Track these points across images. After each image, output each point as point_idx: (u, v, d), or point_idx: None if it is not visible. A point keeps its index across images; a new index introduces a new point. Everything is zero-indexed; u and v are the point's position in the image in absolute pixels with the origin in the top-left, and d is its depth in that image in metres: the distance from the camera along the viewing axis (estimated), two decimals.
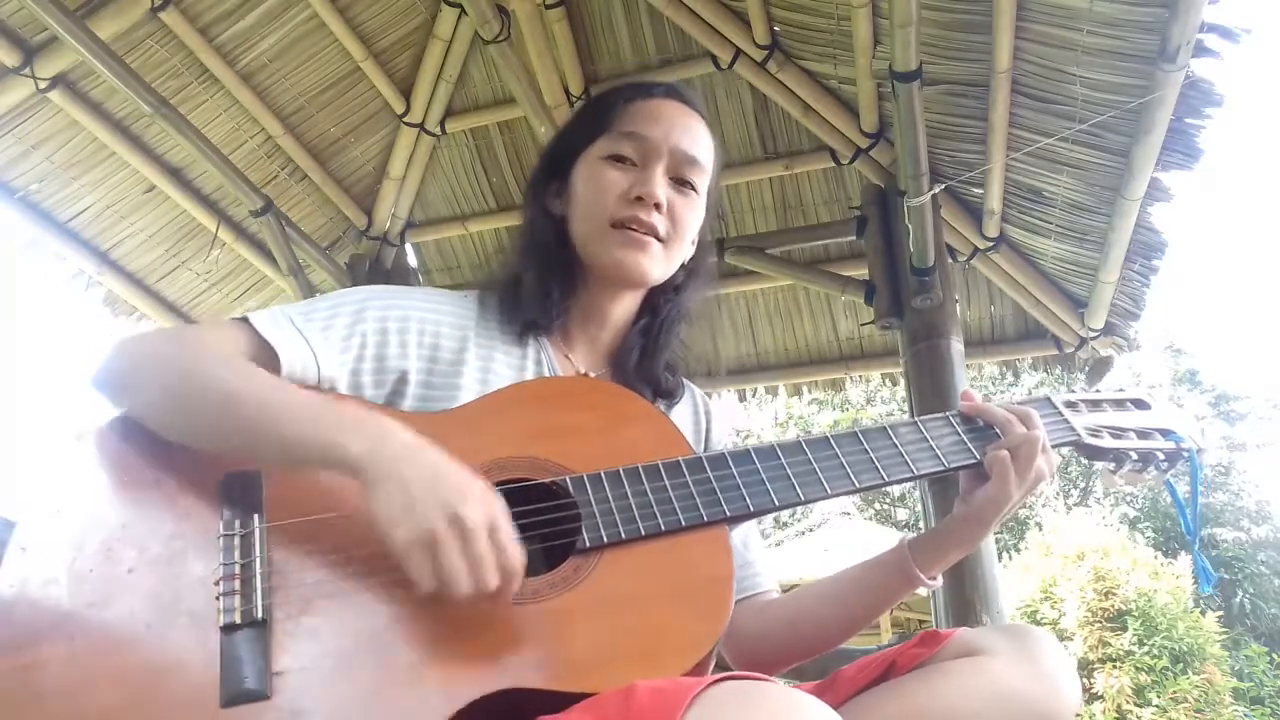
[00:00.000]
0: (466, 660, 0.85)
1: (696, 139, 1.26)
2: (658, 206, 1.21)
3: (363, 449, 0.89)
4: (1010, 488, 1.10)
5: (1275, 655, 11.81)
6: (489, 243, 4.81)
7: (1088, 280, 3.84)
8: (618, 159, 1.23)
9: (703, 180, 1.27)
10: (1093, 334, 4.07)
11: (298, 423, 0.92)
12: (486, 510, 0.87)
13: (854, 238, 4.13)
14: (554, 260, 1.25)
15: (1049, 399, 1.24)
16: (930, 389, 3.60)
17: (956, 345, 3.65)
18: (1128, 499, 17.64)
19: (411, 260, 4.92)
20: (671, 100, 1.28)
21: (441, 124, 4.46)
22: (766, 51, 3.90)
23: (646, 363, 1.29)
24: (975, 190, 3.81)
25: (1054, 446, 1.16)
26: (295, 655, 0.83)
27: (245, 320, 1.05)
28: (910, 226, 3.49)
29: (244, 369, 0.99)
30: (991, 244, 3.99)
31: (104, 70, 3.16)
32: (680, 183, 1.25)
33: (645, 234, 1.21)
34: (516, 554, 0.87)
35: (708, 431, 1.38)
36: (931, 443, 1.14)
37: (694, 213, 1.26)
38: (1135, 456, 1.22)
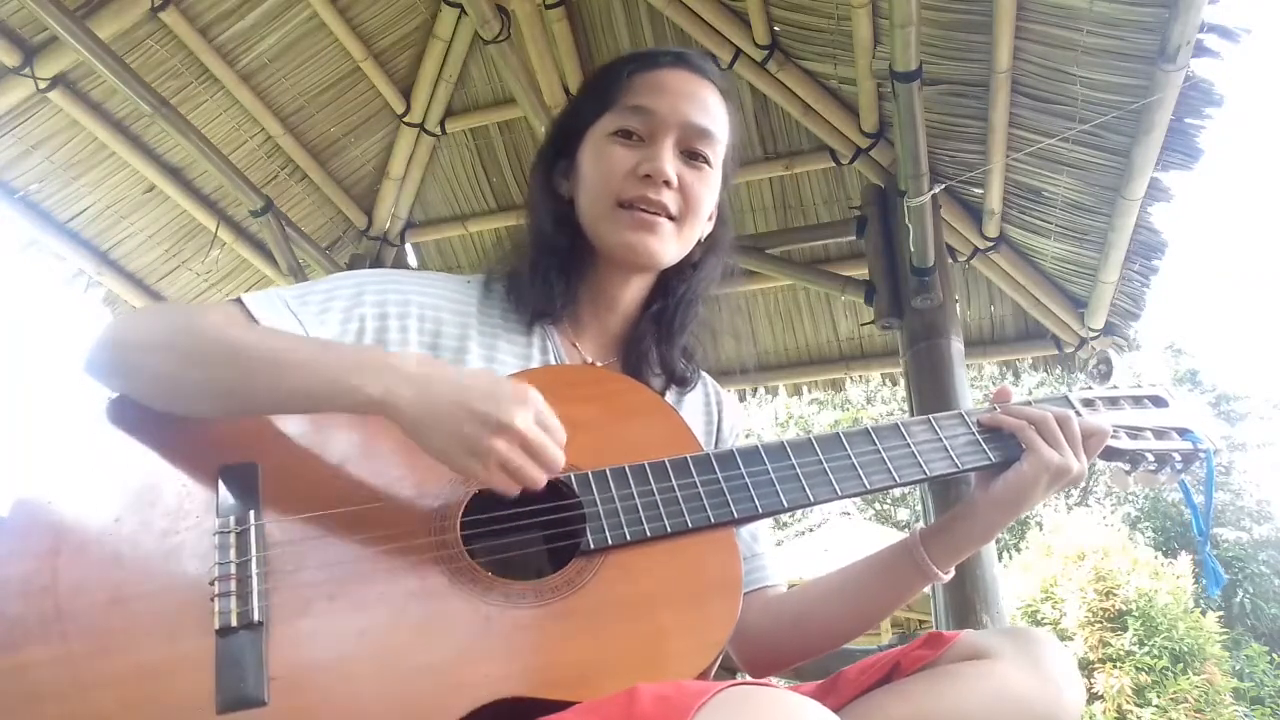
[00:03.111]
0: (468, 666, 0.84)
1: (707, 108, 1.20)
2: (667, 184, 1.15)
3: (380, 390, 0.90)
4: (1043, 464, 1.07)
5: (1275, 655, 11.81)
6: (489, 243, 4.80)
7: (1088, 280, 3.83)
8: (624, 135, 1.17)
9: (716, 151, 1.21)
10: (1093, 334, 4.07)
11: (311, 370, 0.92)
12: (523, 404, 0.90)
13: (854, 238, 4.12)
14: (562, 244, 1.20)
15: (1066, 397, 1.21)
16: (930, 389, 3.60)
17: (956, 345, 3.64)
18: (1129, 498, 17.63)
19: (411, 260, 4.91)
20: (679, 69, 1.21)
21: (441, 124, 4.46)
22: (766, 51, 3.90)
23: (662, 349, 1.24)
24: (975, 190, 3.81)
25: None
26: (293, 659, 0.82)
27: (239, 302, 1.03)
28: (910, 226, 3.49)
29: (246, 325, 0.99)
30: (991, 244, 3.98)
31: (104, 70, 3.15)
32: (692, 156, 1.18)
33: (655, 213, 1.15)
34: (561, 429, 0.93)
35: (719, 423, 1.33)
36: (945, 442, 1.11)
37: (708, 187, 1.20)
38: (1151, 458, 1.18)
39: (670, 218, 1.17)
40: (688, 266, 1.26)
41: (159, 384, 0.96)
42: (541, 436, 0.90)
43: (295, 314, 1.05)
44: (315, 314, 1.06)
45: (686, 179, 1.17)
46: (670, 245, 1.18)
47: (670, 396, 1.27)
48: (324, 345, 0.98)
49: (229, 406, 0.96)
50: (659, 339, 1.24)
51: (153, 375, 0.96)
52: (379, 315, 1.09)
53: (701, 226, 1.24)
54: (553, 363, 1.18)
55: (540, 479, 0.90)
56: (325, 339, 1.03)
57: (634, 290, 1.25)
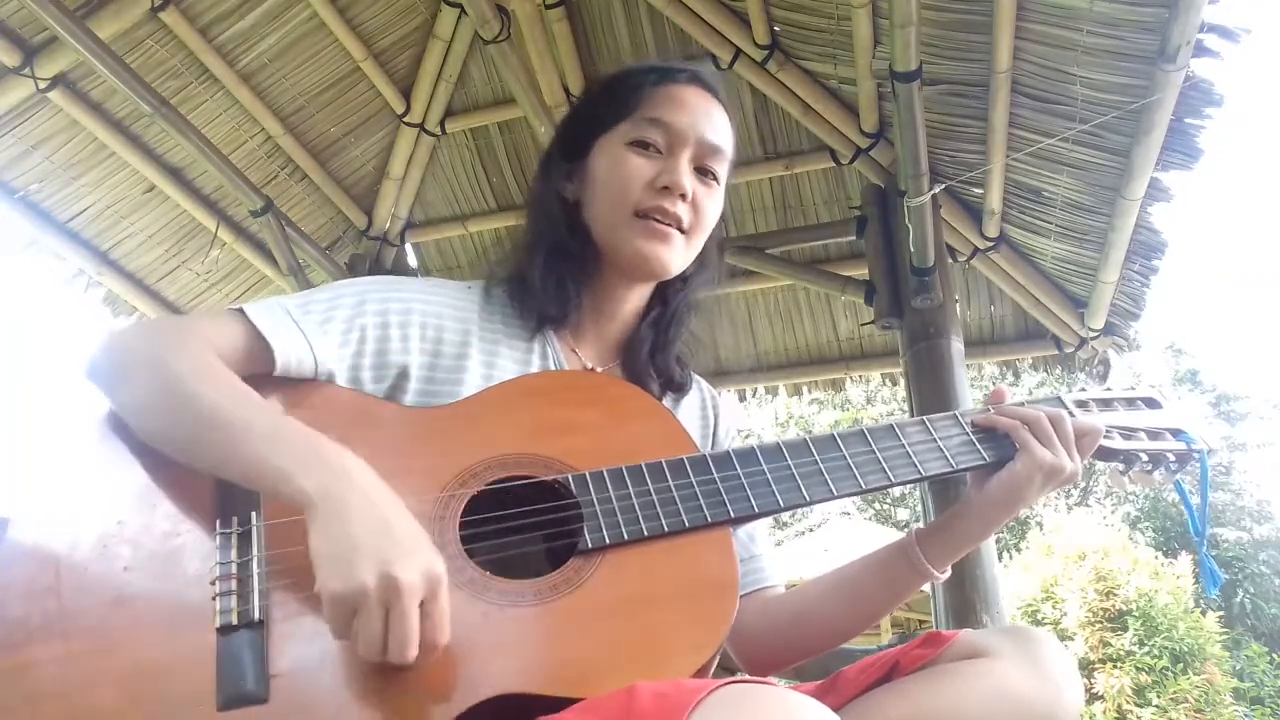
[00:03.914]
0: (468, 664, 0.84)
1: (720, 128, 1.23)
2: (683, 196, 1.18)
3: (314, 485, 0.85)
4: (1037, 463, 1.08)
5: (1275, 655, 11.82)
6: (489, 243, 4.80)
7: (1088, 280, 3.84)
8: (641, 145, 1.19)
9: (724, 169, 1.24)
10: (1093, 334, 4.07)
11: (261, 450, 0.89)
12: (426, 575, 0.81)
13: (854, 238, 4.12)
14: (569, 249, 1.21)
15: (1060, 398, 1.22)
16: (930, 389, 3.60)
17: (956, 345, 3.65)
18: (1129, 498, 17.63)
19: (411, 260, 4.92)
20: (696, 86, 1.24)
21: (441, 124, 4.46)
22: (766, 51, 3.90)
23: (658, 356, 1.26)
24: (975, 190, 3.81)
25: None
26: (293, 657, 0.83)
27: (241, 312, 1.03)
28: (910, 226, 3.49)
29: (223, 384, 0.95)
30: (991, 244, 3.98)
31: (104, 70, 3.16)
32: (703, 172, 1.22)
33: (669, 225, 1.18)
34: (444, 631, 0.82)
35: (715, 426, 1.35)
36: (940, 443, 1.12)
37: (715, 203, 1.24)
38: (1145, 458, 1.19)
39: (681, 230, 1.19)
40: (680, 278, 1.28)
41: (132, 418, 0.96)
42: (411, 616, 0.79)
43: (298, 323, 1.04)
44: (318, 323, 1.06)
45: (698, 194, 1.20)
46: (680, 256, 1.21)
47: (667, 401, 1.28)
48: (280, 431, 0.91)
49: (178, 458, 0.94)
50: (655, 347, 1.26)
51: (127, 408, 0.97)
52: (380, 324, 1.09)
53: (705, 239, 1.26)
54: (552, 368, 1.19)
55: (374, 654, 0.79)
56: (285, 421, 0.95)
57: (635, 298, 1.26)
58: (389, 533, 0.83)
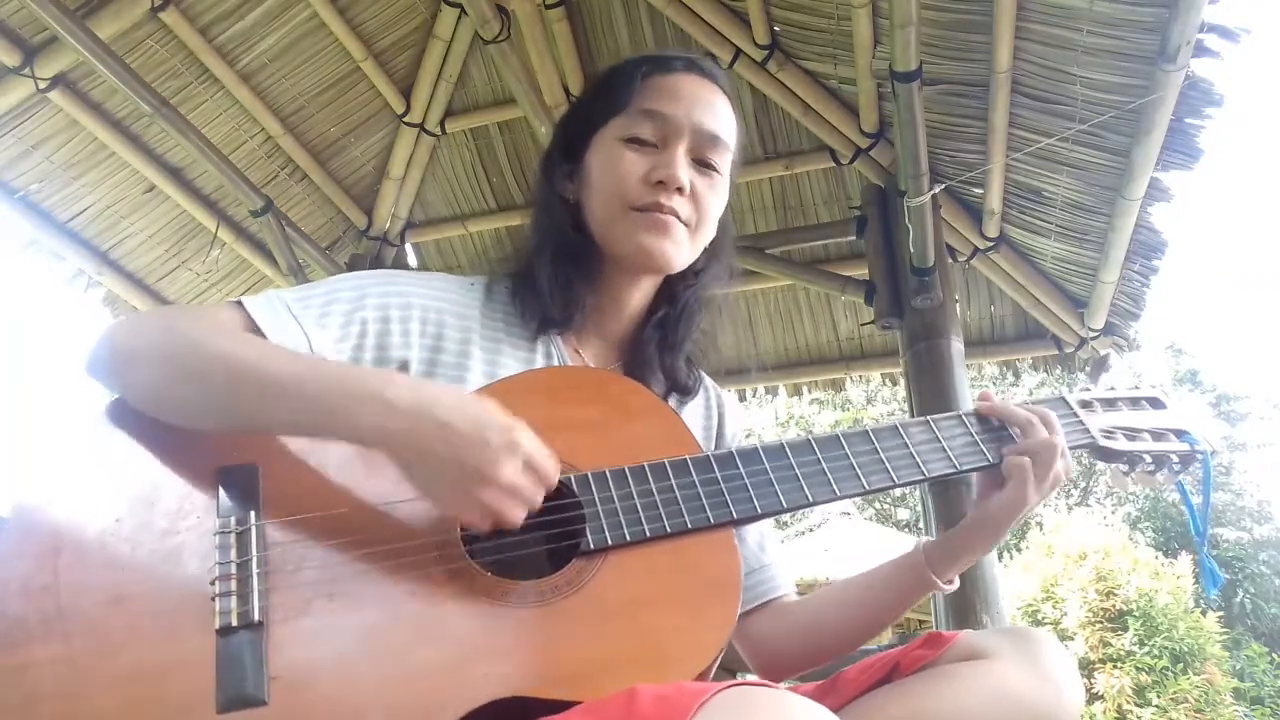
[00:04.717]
0: (469, 665, 0.84)
1: (718, 115, 1.19)
2: (680, 190, 1.13)
3: (372, 422, 0.88)
4: (1028, 492, 1.08)
5: (1276, 655, 11.82)
6: (489, 243, 4.81)
7: (1088, 280, 3.84)
8: (636, 140, 1.15)
9: (725, 160, 1.19)
10: (1093, 334, 4.07)
11: (304, 399, 0.90)
12: (509, 447, 0.88)
13: (854, 238, 4.13)
14: (571, 250, 1.18)
15: (1064, 398, 1.21)
16: (930, 389, 3.60)
17: (956, 345, 3.65)
18: (1130, 498, 17.63)
19: (411, 260, 4.92)
20: (691, 74, 1.19)
21: (441, 124, 4.46)
22: (766, 51, 3.90)
23: (665, 357, 1.23)
24: (975, 190, 3.81)
25: (1069, 449, 1.14)
26: (293, 659, 0.82)
27: (239, 304, 1.02)
28: (910, 226, 3.49)
29: (245, 340, 0.96)
30: (991, 244, 3.99)
31: (104, 70, 3.16)
32: (702, 164, 1.17)
33: (669, 215, 1.14)
34: (550, 466, 0.92)
35: (720, 425, 1.33)
36: (943, 443, 1.12)
37: (717, 195, 1.19)
38: (1149, 459, 1.18)
39: (682, 223, 1.16)
40: (690, 272, 1.25)
41: (152, 394, 0.95)
42: (520, 480, 0.89)
43: (296, 317, 1.03)
44: (316, 318, 1.04)
45: (698, 186, 1.16)
46: (684, 249, 1.17)
47: (672, 400, 1.26)
48: (320, 371, 0.93)
49: (219, 425, 0.95)
50: (663, 347, 1.23)
51: (147, 385, 0.96)
52: (380, 319, 1.08)
53: (709, 233, 1.22)
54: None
55: (519, 520, 0.90)
56: (323, 360, 0.98)
57: (640, 295, 1.23)
58: (457, 433, 0.88)
